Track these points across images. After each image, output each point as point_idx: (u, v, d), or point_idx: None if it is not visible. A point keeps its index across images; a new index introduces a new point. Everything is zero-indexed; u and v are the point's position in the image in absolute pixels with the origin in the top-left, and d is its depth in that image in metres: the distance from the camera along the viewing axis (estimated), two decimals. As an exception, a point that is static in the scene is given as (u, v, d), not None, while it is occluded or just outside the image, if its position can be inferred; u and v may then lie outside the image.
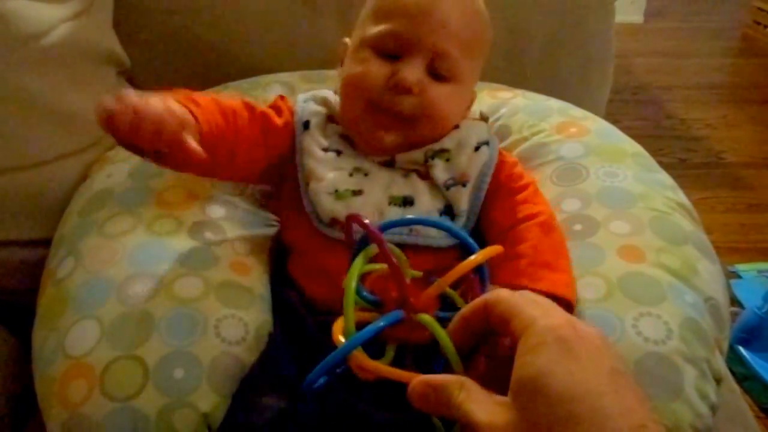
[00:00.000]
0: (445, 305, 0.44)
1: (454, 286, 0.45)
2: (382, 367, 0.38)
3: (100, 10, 0.79)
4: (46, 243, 0.64)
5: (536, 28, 0.93)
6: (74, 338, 0.51)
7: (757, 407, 1.15)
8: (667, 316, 0.50)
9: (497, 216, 0.60)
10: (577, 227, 0.59)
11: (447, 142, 0.62)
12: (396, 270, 0.41)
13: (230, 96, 0.64)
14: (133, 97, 0.47)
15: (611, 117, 0.82)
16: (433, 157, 0.61)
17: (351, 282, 0.40)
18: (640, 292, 0.52)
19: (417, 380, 0.35)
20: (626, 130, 0.73)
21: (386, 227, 0.46)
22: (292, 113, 0.65)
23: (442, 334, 0.39)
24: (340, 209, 0.58)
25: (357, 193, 0.59)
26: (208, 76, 0.84)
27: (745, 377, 1.17)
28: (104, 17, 0.81)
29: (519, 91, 0.80)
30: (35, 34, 0.67)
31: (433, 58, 0.59)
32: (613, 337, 0.49)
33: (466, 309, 0.38)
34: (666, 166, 0.68)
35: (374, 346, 0.41)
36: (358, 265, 0.42)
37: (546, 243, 0.56)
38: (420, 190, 0.60)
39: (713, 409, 0.50)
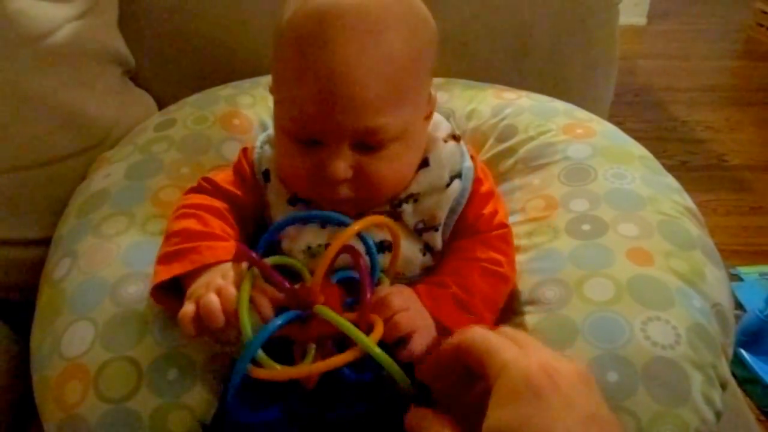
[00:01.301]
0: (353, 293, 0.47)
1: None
2: (275, 374, 0.41)
3: (105, 10, 0.80)
4: (50, 242, 0.63)
5: (541, 30, 0.92)
6: (69, 339, 0.52)
7: (758, 410, 1.15)
8: (676, 320, 0.50)
9: (453, 247, 0.58)
10: (586, 227, 0.59)
11: (415, 187, 0.56)
12: (274, 276, 0.45)
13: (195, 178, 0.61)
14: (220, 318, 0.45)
15: (614, 119, 0.81)
16: (399, 205, 0.56)
17: (242, 307, 0.43)
18: (649, 296, 0.52)
19: (413, 409, 0.37)
20: (629, 132, 0.72)
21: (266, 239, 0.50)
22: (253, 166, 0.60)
23: (336, 318, 0.42)
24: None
25: None
26: (211, 76, 0.85)
27: (746, 380, 1.17)
28: (109, 17, 0.82)
29: (523, 93, 0.79)
30: (40, 34, 0.67)
31: (356, 137, 0.50)
32: (621, 341, 0.49)
33: (438, 352, 0.38)
34: (668, 169, 0.68)
35: (301, 348, 0.45)
36: (246, 287, 0.45)
37: (477, 286, 0.53)
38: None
39: (718, 415, 0.50)
